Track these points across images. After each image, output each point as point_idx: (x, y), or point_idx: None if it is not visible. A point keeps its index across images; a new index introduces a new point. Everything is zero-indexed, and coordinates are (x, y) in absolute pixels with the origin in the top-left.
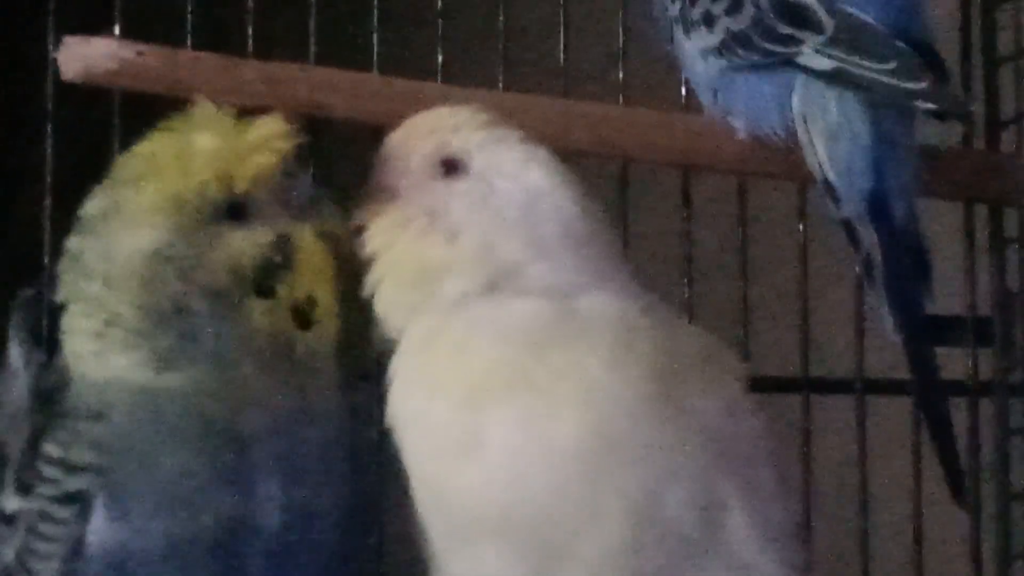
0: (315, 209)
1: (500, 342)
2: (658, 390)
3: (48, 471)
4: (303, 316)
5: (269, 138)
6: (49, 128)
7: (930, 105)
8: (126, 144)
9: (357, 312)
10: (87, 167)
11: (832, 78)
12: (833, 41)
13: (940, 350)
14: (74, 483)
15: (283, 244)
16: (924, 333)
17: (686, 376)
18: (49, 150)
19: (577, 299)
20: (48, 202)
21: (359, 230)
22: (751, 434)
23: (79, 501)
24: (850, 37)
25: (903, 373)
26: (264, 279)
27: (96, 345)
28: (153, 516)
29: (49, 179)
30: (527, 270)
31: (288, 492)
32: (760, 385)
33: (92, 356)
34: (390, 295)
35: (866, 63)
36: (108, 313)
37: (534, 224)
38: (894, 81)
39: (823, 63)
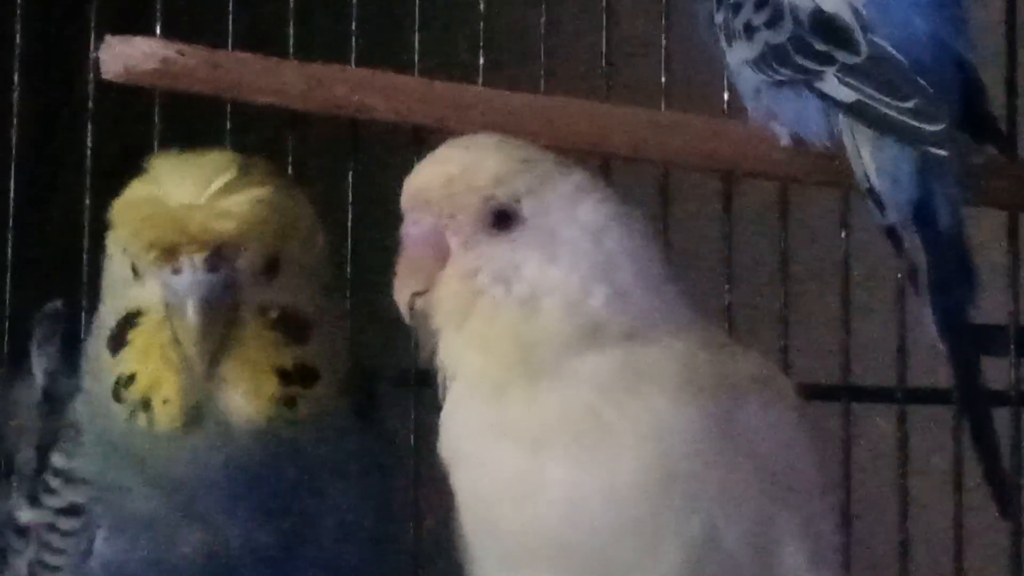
0: (200, 296)
1: (570, 389)
2: (719, 424)
3: (54, 482)
4: (117, 390)
5: (175, 218)
6: (89, 127)
7: (941, 151)
8: (166, 144)
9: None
10: (126, 167)
11: (852, 110)
12: (859, 70)
13: (982, 359)
14: (75, 495)
15: (128, 319)
16: (969, 342)
17: (744, 408)
18: (89, 149)
19: (646, 341)
20: (88, 201)
21: (417, 296)
22: (802, 456)
23: (83, 513)
24: (876, 69)
25: (944, 382)
26: (109, 343)
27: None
28: (138, 537)
29: (88, 178)
30: (611, 324)
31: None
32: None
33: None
34: (480, 369)
35: (886, 99)
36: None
37: (609, 272)
38: (910, 121)
39: (846, 94)
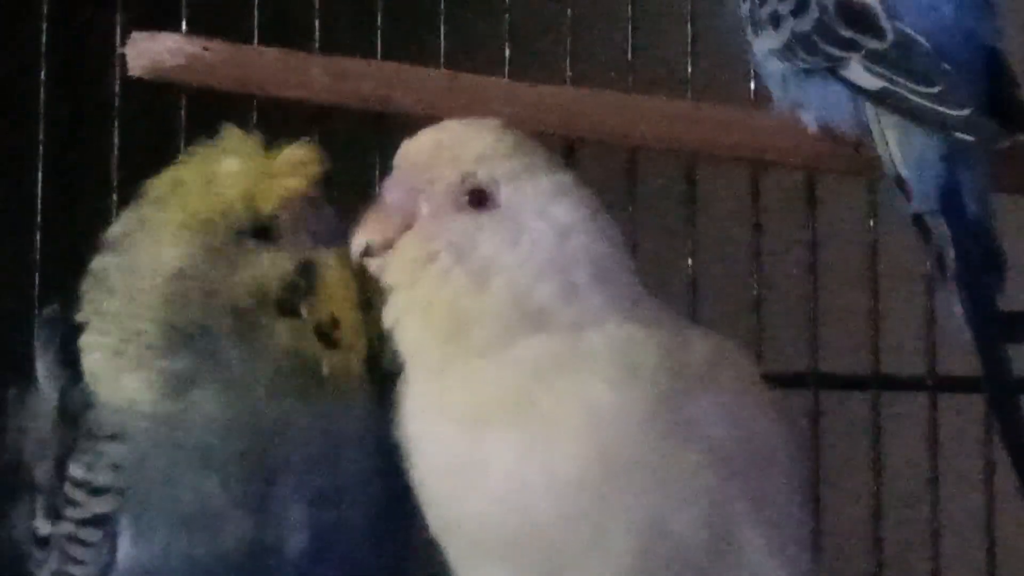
0: (338, 237)
1: (507, 370)
2: (662, 408)
3: (74, 494)
4: (327, 336)
5: (297, 164)
6: (115, 124)
7: (967, 136)
8: (192, 140)
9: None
10: (153, 164)
11: (877, 97)
12: (884, 56)
13: (1011, 347)
14: (99, 505)
15: (307, 267)
16: (996, 329)
17: (691, 390)
18: (115, 146)
19: (590, 329)
20: (115, 198)
21: (369, 250)
22: (761, 441)
23: (105, 523)
24: (901, 55)
25: (974, 370)
26: (288, 300)
27: (112, 364)
28: (175, 539)
29: (115, 175)
30: (556, 315)
31: (313, 515)
32: (830, 382)
33: (107, 376)
34: (417, 336)
35: (911, 85)
36: (126, 331)
37: (566, 267)
38: (936, 106)
39: (871, 81)
